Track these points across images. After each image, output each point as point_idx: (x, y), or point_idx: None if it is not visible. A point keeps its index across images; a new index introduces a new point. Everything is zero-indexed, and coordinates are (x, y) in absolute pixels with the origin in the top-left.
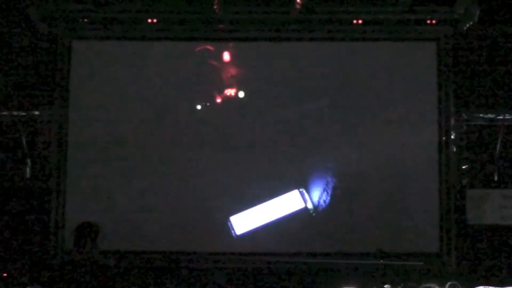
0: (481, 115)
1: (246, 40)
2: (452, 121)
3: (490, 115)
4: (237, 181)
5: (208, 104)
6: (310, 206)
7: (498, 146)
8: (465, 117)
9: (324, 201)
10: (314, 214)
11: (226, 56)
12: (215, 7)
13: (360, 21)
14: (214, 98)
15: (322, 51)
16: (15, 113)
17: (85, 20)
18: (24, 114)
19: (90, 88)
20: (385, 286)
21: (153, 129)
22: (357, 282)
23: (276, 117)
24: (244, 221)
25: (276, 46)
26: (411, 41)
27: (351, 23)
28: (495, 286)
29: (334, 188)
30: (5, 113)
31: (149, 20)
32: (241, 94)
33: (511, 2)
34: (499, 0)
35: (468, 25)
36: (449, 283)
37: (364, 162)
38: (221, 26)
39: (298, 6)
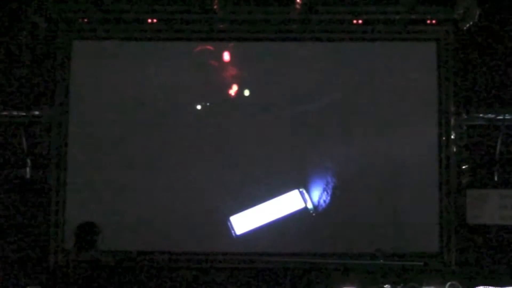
0: (481, 115)
1: (246, 40)
2: (452, 121)
3: (490, 115)
4: (237, 181)
5: (208, 104)
6: (310, 206)
7: (498, 146)
8: (465, 117)
9: (324, 201)
10: (314, 214)
11: (226, 56)
12: (215, 7)
13: (360, 21)
14: (214, 98)
15: (322, 51)
16: (15, 113)
17: (85, 20)
18: (24, 114)
19: (90, 88)
20: (385, 286)
21: (153, 129)
22: (357, 282)
23: (276, 117)
24: (244, 221)
25: (276, 46)
26: (411, 41)
27: (351, 23)
28: (495, 286)
29: (334, 188)
30: (5, 113)
31: (149, 20)
32: (241, 94)
33: (511, 2)
34: (499, 0)
35: (468, 25)
36: (449, 283)
37: (364, 162)
38: (221, 26)
39: (298, 6)
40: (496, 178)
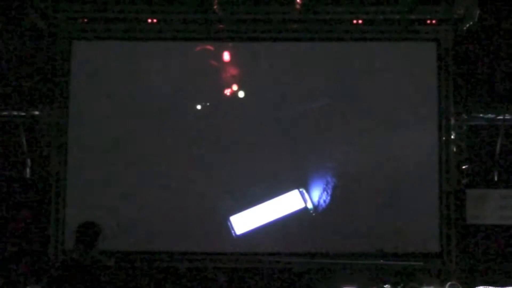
0: (481, 115)
1: (246, 40)
2: (452, 121)
3: (490, 115)
4: (237, 181)
5: (208, 104)
6: (310, 206)
7: (498, 146)
8: (465, 117)
9: (324, 201)
10: (314, 214)
11: (226, 56)
12: (215, 7)
13: (360, 21)
14: (214, 98)
15: (322, 51)
16: (15, 113)
17: (85, 20)
18: (24, 114)
19: (90, 88)
20: (385, 286)
21: (153, 129)
22: (357, 282)
23: (276, 117)
24: (244, 221)
25: (276, 46)
26: (411, 41)
27: (351, 23)
28: (495, 286)
29: (334, 188)
30: (5, 113)
31: (149, 20)
32: (241, 94)
33: (511, 2)
34: (499, 0)
35: (468, 25)
36: (449, 283)
37: (364, 162)
38: (221, 26)
39: (298, 6)
40: (496, 178)
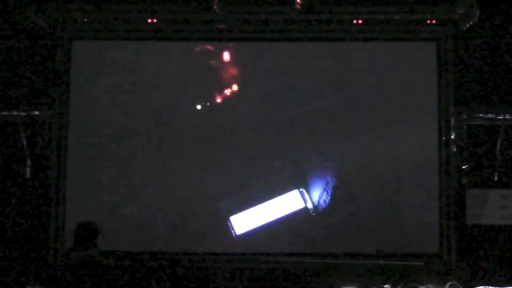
0: (481, 115)
1: (246, 40)
2: (452, 121)
3: (490, 115)
4: (237, 181)
5: (208, 104)
6: (310, 206)
7: (498, 146)
8: (465, 117)
9: (324, 201)
10: (314, 214)
11: (226, 56)
12: (215, 7)
13: (360, 21)
14: (214, 98)
15: (322, 51)
16: (15, 113)
17: (85, 20)
18: (24, 114)
19: (90, 88)
20: (385, 286)
21: (153, 129)
22: (357, 282)
23: (275, 117)
24: (244, 221)
25: (276, 46)
26: (411, 41)
27: (351, 23)
28: (495, 286)
29: (334, 188)
30: (5, 113)
31: (149, 20)
32: (241, 94)
33: (511, 2)
34: (499, 0)
35: (468, 25)
36: (449, 283)
37: (364, 162)
38: (221, 26)
39: (298, 6)
40: (496, 178)
